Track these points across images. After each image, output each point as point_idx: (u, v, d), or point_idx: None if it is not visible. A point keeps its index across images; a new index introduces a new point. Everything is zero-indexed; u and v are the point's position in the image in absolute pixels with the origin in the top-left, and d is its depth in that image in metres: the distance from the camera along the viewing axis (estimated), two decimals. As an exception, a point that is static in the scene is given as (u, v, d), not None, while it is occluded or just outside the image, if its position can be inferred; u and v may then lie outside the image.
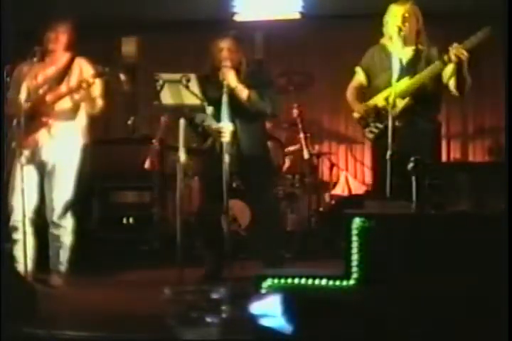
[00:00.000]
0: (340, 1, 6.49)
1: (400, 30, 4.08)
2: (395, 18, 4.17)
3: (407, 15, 4.14)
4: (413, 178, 3.13)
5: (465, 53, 3.92)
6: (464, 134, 7.17)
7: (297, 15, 6.88)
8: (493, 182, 3.15)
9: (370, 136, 4.28)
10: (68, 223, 4.43)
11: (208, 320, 1.89)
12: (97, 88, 4.33)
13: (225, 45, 4.32)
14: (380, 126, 4.19)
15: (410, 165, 3.16)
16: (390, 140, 3.82)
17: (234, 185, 4.86)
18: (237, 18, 6.88)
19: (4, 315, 2.98)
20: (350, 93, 4.44)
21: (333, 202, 6.38)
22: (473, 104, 7.04)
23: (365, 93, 4.40)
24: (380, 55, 4.30)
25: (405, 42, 4.13)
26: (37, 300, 3.49)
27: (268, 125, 6.08)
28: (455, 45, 3.94)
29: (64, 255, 4.43)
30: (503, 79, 3.94)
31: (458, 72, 4.03)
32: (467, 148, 7.17)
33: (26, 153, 4.25)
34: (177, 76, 3.92)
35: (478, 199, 3.15)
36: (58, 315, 3.55)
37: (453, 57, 3.93)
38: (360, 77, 4.41)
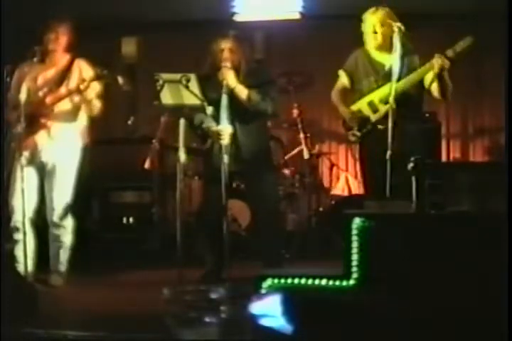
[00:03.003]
0: (340, 1, 6.48)
1: (374, 38, 4.15)
2: (367, 27, 4.23)
3: (378, 24, 4.18)
4: (413, 178, 3.13)
5: (448, 62, 3.99)
6: (463, 134, 7.17)
7: (297, 15, 6.88)
8: (493, 182, 3.15)
9: (353, 139, 4.37)
10: (68, 223, 4.44)
11: (207, 319, 1.90)
12: (94, 91, 4.33)
13: (226, 45, 4.32)
14: (364, 129, 4.29)
15: (410, 165, 3.16)
16: (389, 140, 3.84)
17: (234, 185, 4.86)
18: (237, 18, 6.87)
19: (4, 315, 2.98)
20: (335, 96, 4.50)
21: (333, 202, 6.37)
22: (473, 104, 7.04)
23: (348, 96, 4.45)
24: (363, 59, 4.36)
25: (381, 49, 4.21)
26: (37, 300, 3.49)
27: (268, 125, 6.10)
28: (437, 55, 4.01)
29: (64, 255, 4.44)
30: (503, 79, 3.95)
31: (440, 79, 4.10)
32: (467, 148, 7.16)
33: (26, 154, 4.25)
34: (177, 76, 3.92)
35: (478, 199, 3.15)
36: (58, 315, 3.55)
37: (436, 68, 4.00)
38: (343, 80, 4.46)
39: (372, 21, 4.21)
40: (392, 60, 4.12)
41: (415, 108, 4.34)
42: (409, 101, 4.19)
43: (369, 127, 4.25)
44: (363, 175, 4.52)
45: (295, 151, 6.12)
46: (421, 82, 4.21)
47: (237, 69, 4.29)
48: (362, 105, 4.29)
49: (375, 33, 4.19)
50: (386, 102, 4.10)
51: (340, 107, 4.43)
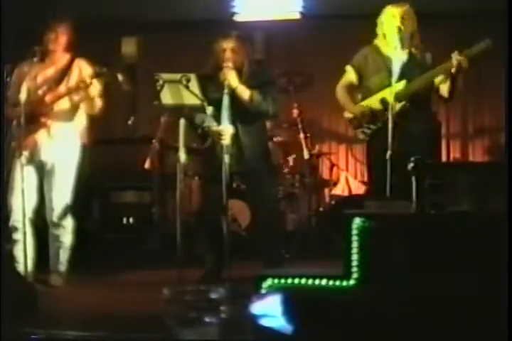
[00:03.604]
0: (340, 1, 6.49)
1: (399, 30, 4.08)
2: (393, 19, 4.17)
3: (405, 16, 4.15)
4: (413, 178, 3.13)
5: (466, 62, 3.95)
6: (463, 134, 7.17)
7: (297, 15, 6.88)
8: (493, 182, 3.15)
9: (362, 136, 4.32)
10: (68, 223, 4.44)
11: (207, 319, 1.90)
12: (96, 88, 4.33)
13: (228, 45, 4.31)
14: (373, 127, 4.23)
15: (410, 165, 3.15)
16: (390, 140, 3.83)
17: (234, 185, 4.85)
18: (237, 18, 6.88)
19: (4, 315, 2.98)
20: (341, 93, 4.42)
21: (333, 202, 6.37)
22: (473, 104, 7.04)
23: (354, 93, 4.40)
24: (373, 56, 4.31)
25: (402, 43, 4.14)
26: (37, 300, 3.49)
27: (268, 125, 6.10)
28: (456, 53, 3.96)
29: (64, 255, 4.44)
30: (503, 79, 3.95)
31: (453, 79, 4.05)
32: (467, 148, 7.16)
33: (25, 153, 4.25)
34: (177, 76, 3.92)
35: (478, 199, 3.15)
36: (58, 315, 3.55)
37: (454, 66, 3.96)
38: (351, 76, 4.40)
39: (397, 14, 4.15)
40: (405, 57, 4.10)
41: (425, 107, 4.27)
42: (419, 100, 4.15)
43: (379, 125, 4.17)
44: (369, 173, 4.49)
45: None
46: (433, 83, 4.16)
47: (239, 70, 4.28)
48: (373, 102, 4.22)
49: (400, 25, 4.11)
50: (400, 100, 4.06)
51: (346, 104, 4.37)
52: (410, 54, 4.18)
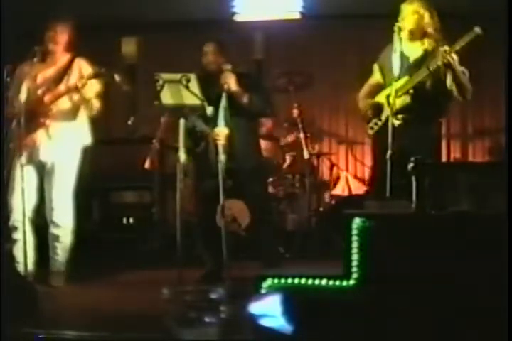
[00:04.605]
0: (340, 1, 6.49)
1: (398, 29, 4.08)
2: (400, 17, 4.16)
3: (409, 14, 4.13)
4: (413, 178, 3.13)
5: (453, 56, 3.91)
6: (463, 134, 7.17)
7: (297, 15, 6.88)
8: (493, 182, 3.15)
9: (371, 131, 4.30)
10: (68, 223, 4.44)
11: (207, 320, 1.89)
12: (93, 90, 4.33)
13: (207, 49, 4.43)
14: (379, 122, 4.21)
15: (410, 165, 3.15)
16: (389, 140, 3.81)
17: (230, 184, 4.86)
18: (237, 18, 6.88)
19: (4, 315, 2.98)
20: (363, 89, 4.41)
21: (333, 202, 6.37)
22: (473, 104, 7.04)
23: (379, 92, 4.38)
24: (392, 53, 4.27)
25: (410, 40, 4.13)
26: (37, 300, 3.49)
27: (268, 125, 6.12)
28: (443, 47, 3.93)
29: (64, 255, 4.44)
30: (502, 80, 3.94)
31: (454, 78, 4.03)
32: (467, 148, 7.16)
33: (25, 153, 4.25)
34: (177, 76, 3.93)
35: (478, 199, 3.15)
36: (58, 315, 3.55)
37: (439, 60, 3.94)
38: (376, 75, 4.37)
39: (405, 11, 4.13)
40: (419, 53, 4.09)
41: (432, 105, 4.18)
42: (427, 97, 4.10)
43: (383, 118, 4.14)
44: (372, 171, 4.47)
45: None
46: (442, 82, 4.10)
47: (220, 71, 4.32)
48: (380, 97, 4.21)
49: (399, 24, 4.02)
50: (401, 95, 4.05)
51: (361, 100, 4.35)
52: (425, 50, 4.16)
